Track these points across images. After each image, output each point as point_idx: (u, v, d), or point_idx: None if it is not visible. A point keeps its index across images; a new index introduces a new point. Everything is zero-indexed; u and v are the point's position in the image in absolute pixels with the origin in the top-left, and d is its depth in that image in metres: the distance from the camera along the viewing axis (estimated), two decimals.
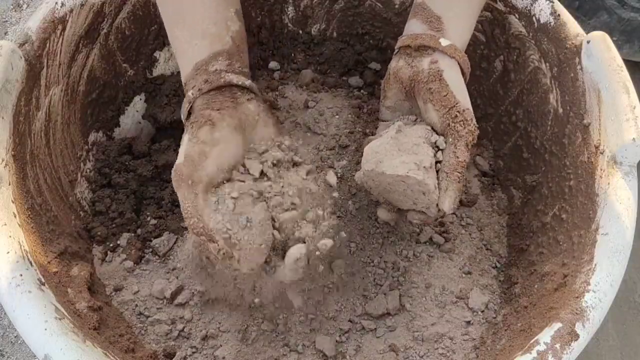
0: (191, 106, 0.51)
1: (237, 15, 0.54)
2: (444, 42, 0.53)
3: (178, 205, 0.53)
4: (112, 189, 0.61)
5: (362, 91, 0.74)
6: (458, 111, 0.51)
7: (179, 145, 0.50)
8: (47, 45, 0.54)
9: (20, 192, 0.47)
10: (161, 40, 0.69)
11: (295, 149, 0.53)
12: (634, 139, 0.46)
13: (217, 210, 0.46)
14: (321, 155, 0.65)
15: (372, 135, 0.67)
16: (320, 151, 0.65)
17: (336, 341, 0.53)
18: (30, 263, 0.42)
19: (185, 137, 0.49)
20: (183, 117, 0.52)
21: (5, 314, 0.62)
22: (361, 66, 0.77)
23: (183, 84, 0.53)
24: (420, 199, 0.50)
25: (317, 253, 0.48)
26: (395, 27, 0.74)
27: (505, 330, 0.51)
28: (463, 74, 0.55)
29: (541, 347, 0.40)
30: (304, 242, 0.48)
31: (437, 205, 0.50)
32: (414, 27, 0.56)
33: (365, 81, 0.75)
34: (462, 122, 0.51)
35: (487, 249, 0.62)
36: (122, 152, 0.64)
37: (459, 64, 0.54)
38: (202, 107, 0.50)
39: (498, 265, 0.61)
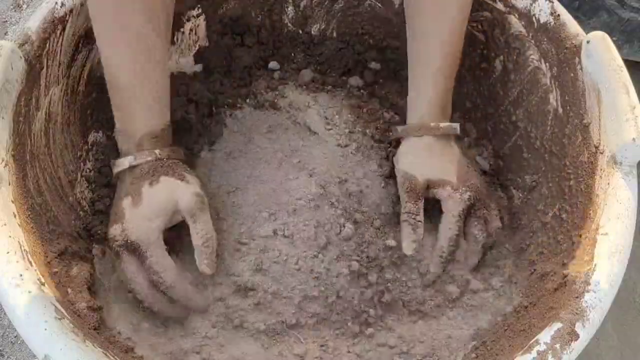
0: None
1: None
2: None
3: None
4: (111, 189, 0.61)
5: (362, 91, 0.74)
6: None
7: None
8: (47, 45, 0.54)
9: (20, 192, 0.47)
10: None
11: None
12: (634, 139, 0.46)
13: None
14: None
15: (372, 135, 0.67)
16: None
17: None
18: (30, 263, 0.42)
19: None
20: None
21: (5, 314, 0.62)
22: (361, 66, 0.77)
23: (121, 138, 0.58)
24: None
25: None
26: (395, 27, 0.74)
27: (505, 330, 0.51)
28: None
29: (541, 347, 0.40)
30: None
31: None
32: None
33: (365, 81, 0.75)
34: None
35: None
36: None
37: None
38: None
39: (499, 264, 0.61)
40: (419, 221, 0.58)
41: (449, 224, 0.57)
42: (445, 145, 0.62)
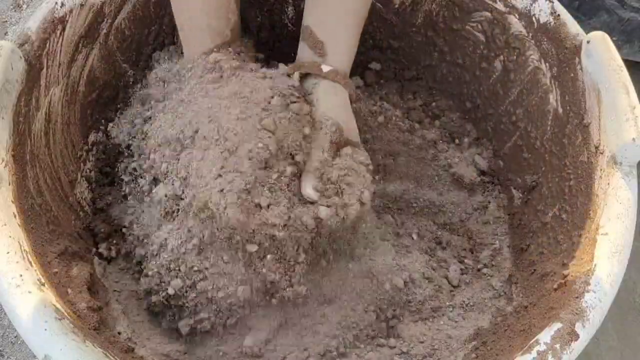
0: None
1: (237, 4, 0.60)
2: (325, 68, 0.57)
3: None
4: (111, 189, 0.61)
5: (362, 91, 0.74)
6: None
7: None
8: (47, 45, 0.54)
9: (20, 192, 0.47)
10: (161, 40, 0.69)
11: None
12: (634, 139, 0.46)
13: None
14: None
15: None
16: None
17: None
18: (30, 263, 0.42)
19: None
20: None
21: (5, 314, 0.62)
22: (361, 66, 0.77)
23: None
24: None
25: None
26: (395, 27, 0.74)
27: (505, 330, 0.51)
28: (350, 96, 0.58)
29: (541, 347, 0.40)
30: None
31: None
32: (301, 52, 0.60)
33: (365, 81, 0.75)
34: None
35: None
36: (121, 151, 0.64)
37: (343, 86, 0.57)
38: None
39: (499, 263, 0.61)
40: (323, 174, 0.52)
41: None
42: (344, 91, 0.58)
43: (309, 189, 0.50)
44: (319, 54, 0.57)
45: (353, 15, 0.58)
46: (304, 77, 0.58)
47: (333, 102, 0.56)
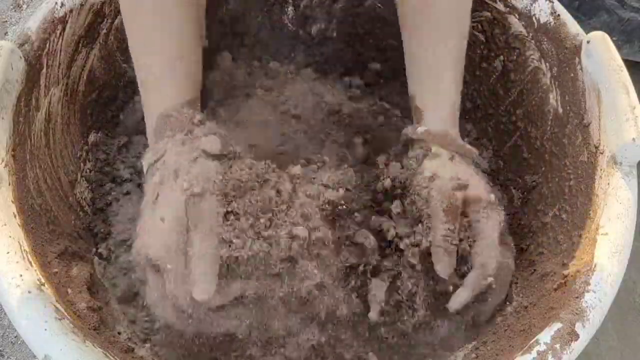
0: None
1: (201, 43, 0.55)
2: (420, 129, 0.55)
3: None
4: (114, 183, 0.62)
5: (362, 91, 0.74)
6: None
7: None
8: (47, 45, 0.54)
9: (20, 192, 0.47)
10: None
11: None
12: (634, 139, 0.46)
13: None
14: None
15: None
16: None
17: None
18: (30, 263, 0.42)
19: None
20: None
21: (5, 314, 0.62)
22: (361, 66, 0.77)
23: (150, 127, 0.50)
24: None
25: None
26: (395, 27, 0.74)
27: (505, 330, 0.51)
28: (466, 151, 0.55)
29: (541, 347, 0.40)
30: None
31: None
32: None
33: (365, 81, 0.75)
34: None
35: None
36: (121, 151, 0.64)
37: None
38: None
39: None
40: (455, 245, 0.51)
41: (490, 251, 0.50)
42: (465, 159, 0.55)
43: (440, 267, 0.49)
44: (417, 120, 0.57)
45: (446, 61, 0.55)
46: (410, 148, 0.56)
47: (434, 165, 0.53)
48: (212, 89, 0.71)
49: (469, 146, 0.55)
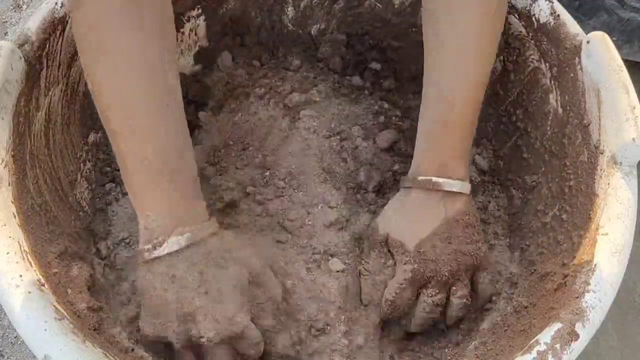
0: None
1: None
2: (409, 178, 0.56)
3: None
4: (111, 189, 0.61)
5: (362, 91, 0.74)
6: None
7: None
8: (47, 45, 0.54)
9: (20, 192, 0.47)
10: None
11: None
12: (634, 139, 0.46)
13: None
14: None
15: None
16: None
17: None
18: (30, 264, 0.42)
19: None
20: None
21: (5, 314, 0.62)
22: (361, 66, 0.77)
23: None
24: None
25: None
26: (395, 27, 0.74)
27: (505, 330, 0.51)
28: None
29: (541, 347, 0.40)
30: None
31: None
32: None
33: (365, 81, 0.75)
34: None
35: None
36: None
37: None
38: None
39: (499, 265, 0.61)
40: (373, 277, 0.54)
41: (390, 293, 0.52)
42: (437, 204, 0.53)
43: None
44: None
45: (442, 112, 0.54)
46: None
47: (404, 218, 0.54)
48: (212, 89, 0.72)
49: (442, 180, 0.53)
